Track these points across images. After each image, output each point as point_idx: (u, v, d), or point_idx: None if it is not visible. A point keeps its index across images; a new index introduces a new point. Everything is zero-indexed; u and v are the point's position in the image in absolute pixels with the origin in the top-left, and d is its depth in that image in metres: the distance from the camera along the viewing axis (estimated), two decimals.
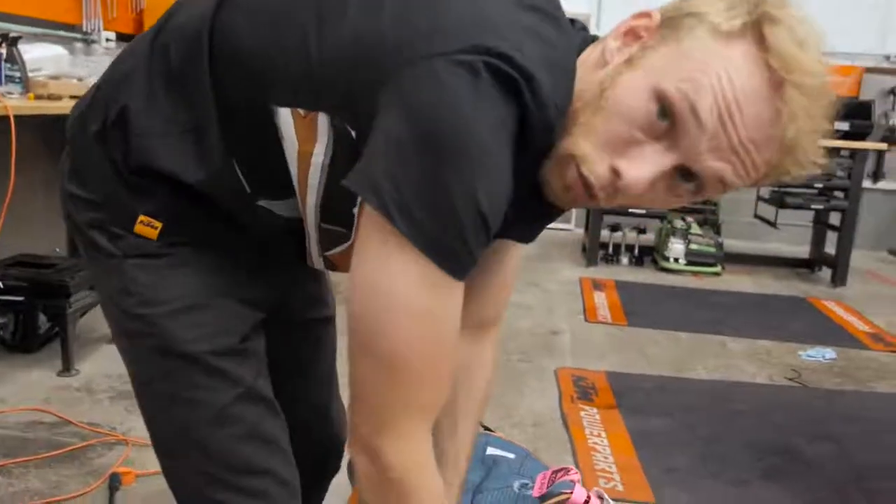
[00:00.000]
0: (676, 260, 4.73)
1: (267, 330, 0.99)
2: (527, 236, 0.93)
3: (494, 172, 0.66)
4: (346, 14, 0.72)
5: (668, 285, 4.39)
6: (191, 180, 0.84)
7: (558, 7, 0.77)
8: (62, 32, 3.28)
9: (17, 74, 2.65)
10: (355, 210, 0.75)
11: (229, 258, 0.93)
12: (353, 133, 0.73)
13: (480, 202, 0.65)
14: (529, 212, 0.80)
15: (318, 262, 0.92)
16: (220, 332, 0.91)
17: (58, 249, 3.17)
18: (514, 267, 1.02)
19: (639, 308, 3.78)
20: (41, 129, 2.95)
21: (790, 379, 2.91)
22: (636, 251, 4.94)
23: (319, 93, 0.74)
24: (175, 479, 0.97)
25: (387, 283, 0.68)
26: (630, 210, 4.77)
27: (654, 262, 4.87)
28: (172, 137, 0.83)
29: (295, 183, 0.82)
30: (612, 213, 4.82)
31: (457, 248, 0.66)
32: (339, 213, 0.80)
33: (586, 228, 4.93)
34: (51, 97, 2.57)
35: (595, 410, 2.45)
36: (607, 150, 0.70)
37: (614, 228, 4.94)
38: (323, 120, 0.75)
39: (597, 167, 0.70)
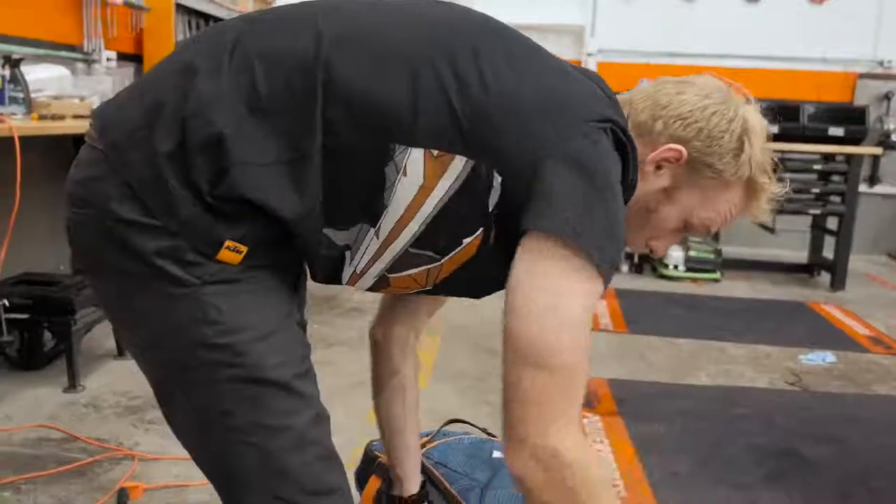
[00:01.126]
0: (676, 267, 4.75)
1: None
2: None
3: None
4: (484, 79, 0.86)
5: (667, 292, 4.41)
6: (287, 214, 0.85)
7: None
8: (64, 53, 3.32)
9: (21, 95, 2.68)
10: (466, 240, 0.90)
11: (287, 281, 0.96)
12: (499, 178, 0.86)
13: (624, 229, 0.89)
14: None
15: (365, 282, 0.97)
16: (295, 355, 0.93)
17: (62, 267, 3.19)
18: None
19: (639, 315, 3.80)
20: (45, 148, 2.99)
21: (791, 383, 2.93)
22: (636, 258, 4.96)
23: (467, 142, 0.85)
24: None
25: (567, 305, 0.83)
26: None
27: (654, 269, 4.89)
28: (271, 169, 0.84)
29: (394, 213, 0.88)
30: None
31: (618, 262, 0.90)
32: (436, 241, 0.90)
33: None
34: (54, 117, 2.61)
35: (597, 418, 2.46)
36: (643, 234, 1.03)
37: None
38: (459, 161, 0.85)
39: (636, 245, 1.06)
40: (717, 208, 1.00)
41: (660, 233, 1.03)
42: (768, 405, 2.68)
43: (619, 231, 0.86)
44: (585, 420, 2.44)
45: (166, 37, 3.85)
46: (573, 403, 0.85)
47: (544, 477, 0.82)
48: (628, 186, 0.94)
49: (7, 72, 2.66)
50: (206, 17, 4.25)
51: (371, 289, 1.00)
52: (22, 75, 2.70)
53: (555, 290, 0.82)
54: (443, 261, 0.92)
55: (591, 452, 0.96)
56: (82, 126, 2.66)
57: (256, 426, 0.89)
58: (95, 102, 3.10)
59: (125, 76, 3.57)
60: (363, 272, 0.95)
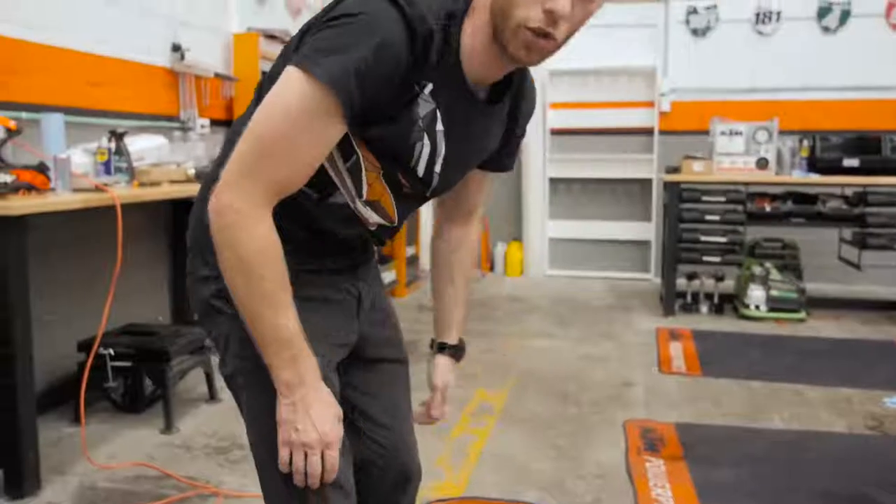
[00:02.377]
0: (757, 307, 4.66)
1: (350, 371, 1.25)
2: (497, 165, 1.29)
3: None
4: None
5: (748, 333, 4.33)
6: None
7: None
8: (162, 123, 3.67)
9: (125, 165, 2.99)
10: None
11: (322, 309, 1.16)
12: None
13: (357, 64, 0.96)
14: (458, 99, 1.07)
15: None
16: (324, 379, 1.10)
17: (160, 318, 3.49)
18: (482, 179, 1.35)
19: (715, 358, 3.76)
20: (144, 210, 3.30)
21: (871, 428, 2.84)
22: (716, 299, 4.89)
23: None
24: None
25: (281, 101, 0.99)
26: (705, 258, 4.78)
27: (735, 310, 4.81)
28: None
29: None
30: (689, 263, 4.82)
31: (334, 71, 0.95)
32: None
33: (663, 277, 4.93)
34: (152, 184, 2.90)
35: (661, 462, 2.48)
36: (532, 4, 0.96)
37: (691, 277, 4.93)
38: None
39: (535, 15, 0.96)
40: None
41: None
42: (843, 450, 2.62)
43: (351, 54, 0.95)
44: (649, 465, 2.46)
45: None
46: (257, 173, 0.99)
47: (214, 219, 1.01)
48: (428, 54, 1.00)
49: (113, 144, 2.98)
50: None
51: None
52: (125, 147, 3.01)
53: (277, 91, 0.99)
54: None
55: (265, 224, 1.01)
56: (177, 190, 2.95)
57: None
58: (190, 167, 3.41)
59: (216, 142, 3.89)
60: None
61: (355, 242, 1.25)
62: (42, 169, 2.38)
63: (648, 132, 6.03)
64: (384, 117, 1.02)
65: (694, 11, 5.90)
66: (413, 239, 5.56)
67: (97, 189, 2.49)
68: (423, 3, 0.99)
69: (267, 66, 4.31)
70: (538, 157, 6.16)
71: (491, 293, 5.61)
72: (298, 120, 0.97)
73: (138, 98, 3.50)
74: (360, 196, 1.12)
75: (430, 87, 1.03)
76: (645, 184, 6.09)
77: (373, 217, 1.16)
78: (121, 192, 2.55)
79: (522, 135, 1.30)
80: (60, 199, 2.25)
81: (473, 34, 1.03)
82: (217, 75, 3.92)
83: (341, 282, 1.23)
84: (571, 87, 6.13)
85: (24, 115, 2.79)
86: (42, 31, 2.91)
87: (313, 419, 1.03)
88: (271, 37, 4.38)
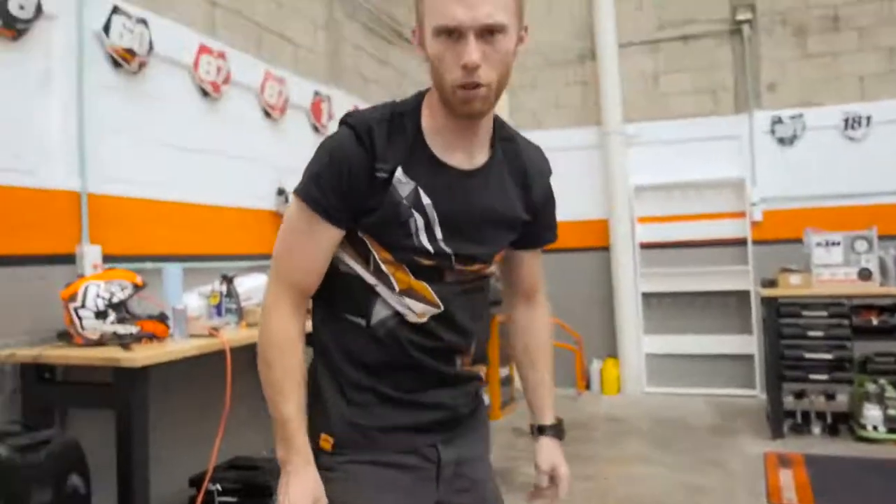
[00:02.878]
0: (875, 428, 4.36)
1: None
2: (527, 243, 1.40)
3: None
4: None
5: (866, 458, 4.05)
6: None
7: None
8: (266, 262, 3.93)
9: (234, 306, 3.22)
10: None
11: (390, 484, 1.24)
12: None
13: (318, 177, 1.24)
14: (433, 171, 1.23)
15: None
16: None
17: (265, 452, 3.61)
18: (527, 258, 1.45)
19: (831, 487, 3.53)
20: (251, 349, 3.47)
21: None
22: (828, 419, 4.62)
23: None
24: None
25: (287, 218, 1.27)
26: (811, 375, 4.55)
27: (851, 431, 4.52)
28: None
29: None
30: (794, 381, 4.60)
31: (311, 191, 1.22)
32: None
33: (769, 394, 4.71)
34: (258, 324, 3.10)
35: None
36: (453, 67, 1.14)
37: (799, 395, 4.70)
38: None
39: (457, 74, 1.14)
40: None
41: (449, 57, 1.15)
42: None
43: (313, 170, 1.24)
44: None
45: None
46: (280, 279, 1.27)
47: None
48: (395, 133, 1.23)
49: (224, 287, 3.23)
50: None
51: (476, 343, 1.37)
52: (235, 289, 3.25)
53: (287, 214, 1.27)
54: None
55: (283, 317, 1.25)
56: None
57: None
58: None
59: None
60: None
61: (433, 372, 1.29)
62: (162, 318, 2.61)
63: (741, 243, 5.95)
64: (369, 208, 1.21)
65: (779, 121, 5.91)
66: (506, 360, 5.58)
67: (210, 335, 2.70)
68: (367, 112, 1.25)
69: None
70: (629, 271, 6.15)
71: (588, 412, 5.50)
72: (298, 231, 1.24)
73: (247, 241, 3.79)
74: (394, 289, 1.25)
75: (399, 169, 1.20)
76: (742, 296, 5.94)
77: (417, 306, 1.25)
78: (230, 335, 2.75)
79: (547, 204, 1.38)
80: (178, 347, 2.45)
81: (432, 115, 1.23)
82: None
83: (420, 443, 1.28)
84: (658, 200, 6.17)
85: (148, 265, 3.09)
86: (166, 188, 3.25)
87: (290, 495, 1.20)
88: None
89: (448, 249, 1.24)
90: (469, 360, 1.37)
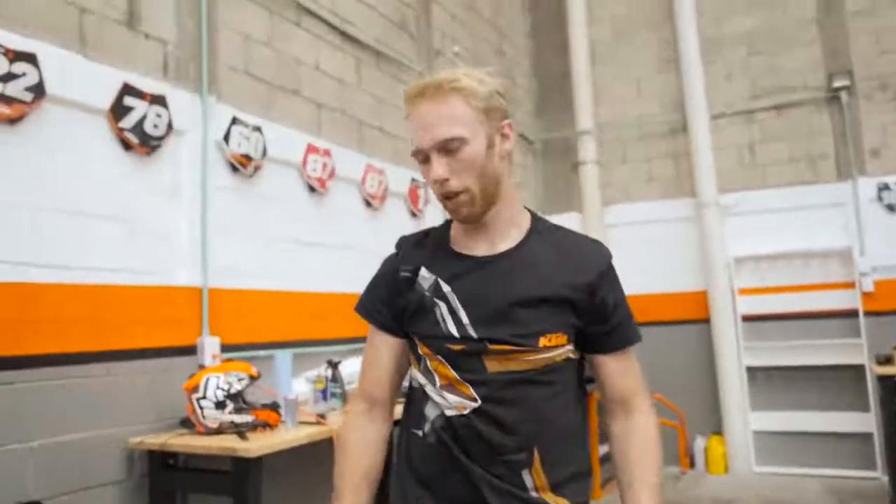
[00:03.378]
0: None
1: None
2: (596, 347, 1.36)
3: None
4: None
5: None
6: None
7: None
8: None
9: (339, 390, 3.38)
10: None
11: None
12: None
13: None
14: (453, 262, 1.35)
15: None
16: None
17: None
18: (609, 362, 1.38)
19: None
20: None
21: None
22: None
23: None
24: None
25: None
26: None
27: None
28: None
29: None
30: None
31: (366, 306, 1.46)
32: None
33: (891, 477, 4.42)
34: None
35: None
36: (431, 184, 1.31)
37: None
38: None
39: (436, 189, 1.31)
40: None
41: (427, 173, 1.31)
42: None
43: (366, 288, 1.49)
44: None
45: None
46: (358, 387, 1.47)
47: None
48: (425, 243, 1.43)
49: (329, 372, 3.40)
50: None
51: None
52: (340, 374, 3.41)
53: None
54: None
55: (351, 422, 1.43)
56: None
57: None
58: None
59: None
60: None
61: (487, 484, 1.27)
62: (274, 407, 2.78)
63: (851, 314, 5.68)
64: (402, 307, 1.37)
65: (886, 188, 5.69)
66: (605, 437, 5.48)
67: (317, 422, 2.84)
68: (408, 236, 1.47)
69: None
70: (731, 344, 5.97)
71: (693, 495, 5.30)
72: (367, 343, 1.45)
73: (350, 325, 3.95)
74: (436, 384, 1.32)
75: (423, 268, 1.36)
76: (856, 370, 5.64)
77: (453, 399, 1.29)
78: (336, 422, 2.88)
79: (607, 299, 1.32)
80: (289, 436, 2.60)
81: (455, 226, 1.40)
82: None
83: None
84: (759, 271, 6.02)
85: (260, 352, 3.30)
86: (276, 279, 3.48)
87: None
88: None
89: (475, 333, 1.28)
90: (544, 480, 1.29)
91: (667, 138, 6.48)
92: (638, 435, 1.36)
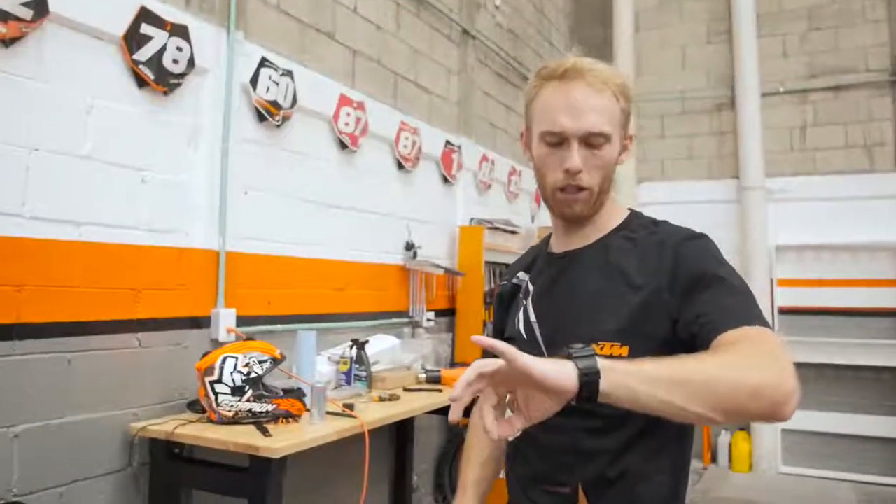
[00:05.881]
0: None
1: None
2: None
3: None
4: None
5: None
6: None
7: None
8: (394, 320, 3.74)
9: (364, 373, 3.02)
10: None
11: None
12: None
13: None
14: (544, 262, 1.33)
15: None
16: None
17: None
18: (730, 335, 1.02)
19: None
20: (388, 429, 3.20)
21: None
22: None
23: None
24: None
25: None
26: None
27: None
28: None
29: None
30: None
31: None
32: None
33: None
34: (391, 398, 2.88)
35: None
36: (555, 170, 1.21)
37: None
38: None
39: (559, 177, 1.20)
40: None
41: (553, 163, 1.21)
42: None
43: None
44: None
45: (477, 290, 4.20)
46: None
47: None
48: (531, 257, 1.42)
49: (354, 352, 3.04)
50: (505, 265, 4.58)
51: None
52: (365, 355, 3.05)
53: None
54: None
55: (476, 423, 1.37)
56: (417, 408, 2.87)
57: None
58: (421, 371, 3.40)
59: (443, 340, 3.90)
60: None
61: None
62: (299, 396, 2.42)
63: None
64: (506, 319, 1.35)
65: None
66: None
67: (345, 413, 2.48)
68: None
69: (490, 257, 4.38)
70: None
71: (715, 495, 5.01)
72: None
73: (373, 298, 3.60)
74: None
75: (521, 272, 1.36)
76: None
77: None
78: (366, 413, 2.52)
79: (691, 276, 1.10)
80: (318, 433, 2.23)
81: (555, 230, 1.33)
82: (447, 271, 3.99)
83: None
84: (802, 262, 5.66)
85: (279, 327, 2.93)
86: (300, 245, 3.10)
87: None
88: (493, 227, 4.45)
89: (538, 334, 1.22)
90: None
91: (711, 114, 6.05)
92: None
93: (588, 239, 1.26)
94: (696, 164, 6.10)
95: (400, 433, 3.57)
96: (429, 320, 3.96)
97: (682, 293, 1.08)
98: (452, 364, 3.95)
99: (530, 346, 1.20)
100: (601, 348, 1.09)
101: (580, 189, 1.19)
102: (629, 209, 1.32)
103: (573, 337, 0.99)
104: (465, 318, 4.24)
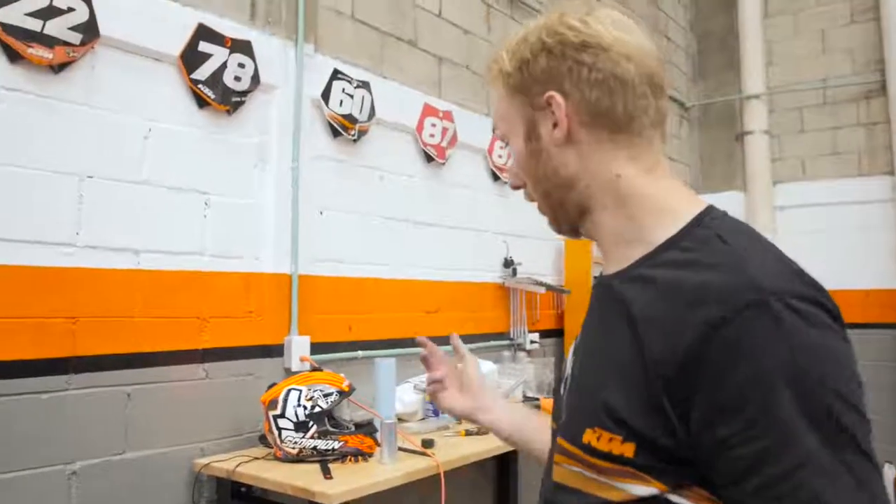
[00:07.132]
0: None
1: None
2: None
3: None
4: None
5: None
6: None
7: None
8: (492, 343, 3.49)
9: None
10: None
11: None
12: None
13: None
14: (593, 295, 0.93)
15: None
16: None
17: None
18: None
19: None
20: (471, 467, 2.95)
21: None
22: None
23: None
24: None
25: None
26: None
27: None
28: None
29: None
30: None
31: None
32: None
33: None
34: (480, 431, 2.62)
35: None
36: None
37: None
38: None
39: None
40: None
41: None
42: None
43: None
44: None
45: (586, 308, 3.85)
46: None
47: None
48: None
49: None
50: None
51: None
52: None
53: None
54: None
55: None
56: (501, 444, 2.59)
57: None
58: (518, 396, 3.12)
59: (546, 363, 3.60)
60: None
61: None
62: (370, 431, 2.22)
63: None
64: None
65: None
66: None
67: (422, 453, 2.26)
68: None
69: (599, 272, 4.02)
70: None
71: None
72: None
73: (470, 320, 3.37)
74: None
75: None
76: None
77: None
78: (444, 452, 2.29)
79: (712, 406, 0.68)
80: (383, 476, 2.02)
81: None
82: (550, 288, 3.68)
83: None
84: None
85: (360, 353, 2.76)
86: (381, 266, 2.92)
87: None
88: None
89: (564, 396, 0.91)
90: None
91: (859, 104, 5.36)
92: None
93: (614, 261, 0.88)
94: (842, 161, 5.41)
95: (501, 469, 3.29)
96: (532, 342, 3.67)
97: (700, 434, 0.70)
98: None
99: (558, 407, 0.96)
100: (597, 436, 0.76)
101: (516, 187, 0.99)
102: (698, 212, 0.82)
103: (564, 422, 0.85)
104: (573, 339, 3.90)
